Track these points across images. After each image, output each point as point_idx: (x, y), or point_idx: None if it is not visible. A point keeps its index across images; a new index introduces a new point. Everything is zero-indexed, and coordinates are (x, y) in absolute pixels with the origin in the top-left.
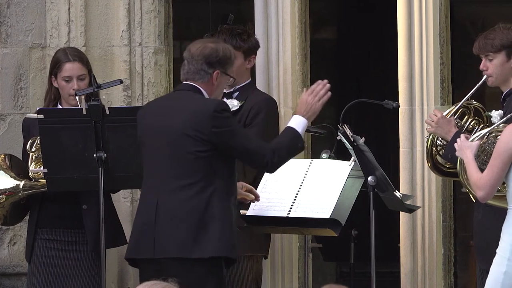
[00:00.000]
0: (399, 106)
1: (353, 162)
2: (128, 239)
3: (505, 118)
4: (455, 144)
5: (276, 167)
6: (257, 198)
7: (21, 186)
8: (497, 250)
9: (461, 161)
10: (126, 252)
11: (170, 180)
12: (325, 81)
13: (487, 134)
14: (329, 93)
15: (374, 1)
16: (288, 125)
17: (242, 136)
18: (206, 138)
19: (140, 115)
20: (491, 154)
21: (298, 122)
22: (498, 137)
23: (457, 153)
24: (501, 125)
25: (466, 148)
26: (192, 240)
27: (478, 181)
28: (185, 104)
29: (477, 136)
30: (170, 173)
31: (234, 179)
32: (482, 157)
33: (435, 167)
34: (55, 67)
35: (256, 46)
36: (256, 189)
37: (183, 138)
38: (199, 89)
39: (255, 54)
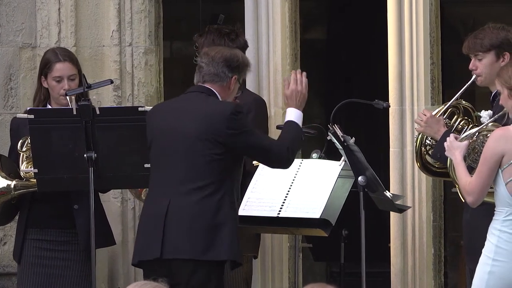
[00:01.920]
0: (389, 106)
1: (343, 162)
2: (116, 240)
3: (493, 118)
4: (445, 144)
5: (291, 162)
6: None
7: (12, 186)
8: (483, 250)
9: (451, 159)
10: (133, 256)
11: (183, 182)
12: (298, 70)
13: (476, 133)
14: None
15: (364, 1)
16: (288, 119)
17: (257, 135)
18: (222, 141)
19: (150, 116)
20: (482, 153)
21: (296, 115)
22: (488, 136)
23: (446, 153)
24: (490, 124)
25: (455, 149)
26: (204, 242)
27: (467, 186)
28: (199, 107)
29: (465, 136)
30: (183, 175)
31: (239, 182)
32: (473, 156)
33: (424, 166)
34: (45, 67)
35: (245, 46)
36: (246, 189)
37: (198, 141)
38: (213, 91)
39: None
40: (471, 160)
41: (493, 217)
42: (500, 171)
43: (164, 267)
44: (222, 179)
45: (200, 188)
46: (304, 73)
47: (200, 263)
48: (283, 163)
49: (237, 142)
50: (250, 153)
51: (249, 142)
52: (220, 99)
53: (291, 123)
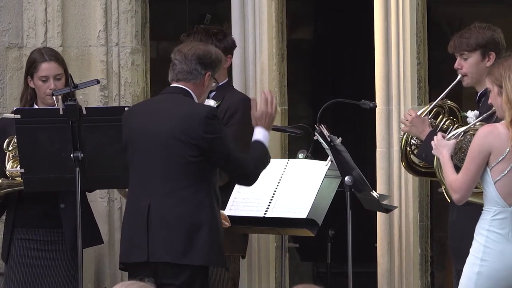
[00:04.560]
0: (376, 106)
1: (330, 162)
2: (104, 239)
3: (481, 117)
4: (432, 142)
5: (255, 180)
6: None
7: None
8: (470, 250)
9: (438, 158)
10: (120, 257)
11: (162, 183)
12: (267, 90)
13: (464, 132)
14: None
15: (351, 1)
16: (256, 138)
17: (230, 144)
18: (196, 143)
19: (126, 117)
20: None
21: (263, 136)
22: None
23: (433, 151)
24: (477, 124)
25: (442, 147)
26: (183, 246)
27: (453, 183)
28: (175, 108)
29: (453, 135)
30: (161, 176)
31: (217, 184)
32: (460, 155)
33: (410, 166)
34: (31, 67)
35: (232, 46)
36: (232, 190)
37: (173, 142)
38: (188, 91)
39: (232, 54)
40: (458, 159)
41: (480, 217)
42: (488, 170)
43: (149, 269)
44: (200, 181)
45: (178, 190)
46: (273, 94)
47: (182, 266)
48: (250, 179)
49: (210, 146)
50: (220, 160)
51: (222, 149)
52: (195, 98)
53: (258, 143)
